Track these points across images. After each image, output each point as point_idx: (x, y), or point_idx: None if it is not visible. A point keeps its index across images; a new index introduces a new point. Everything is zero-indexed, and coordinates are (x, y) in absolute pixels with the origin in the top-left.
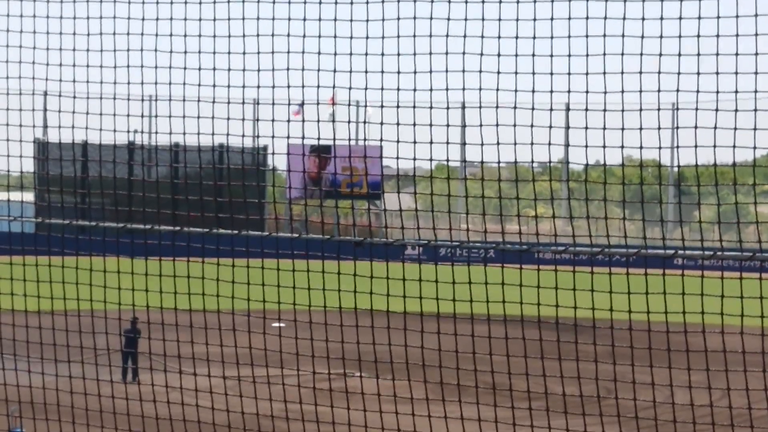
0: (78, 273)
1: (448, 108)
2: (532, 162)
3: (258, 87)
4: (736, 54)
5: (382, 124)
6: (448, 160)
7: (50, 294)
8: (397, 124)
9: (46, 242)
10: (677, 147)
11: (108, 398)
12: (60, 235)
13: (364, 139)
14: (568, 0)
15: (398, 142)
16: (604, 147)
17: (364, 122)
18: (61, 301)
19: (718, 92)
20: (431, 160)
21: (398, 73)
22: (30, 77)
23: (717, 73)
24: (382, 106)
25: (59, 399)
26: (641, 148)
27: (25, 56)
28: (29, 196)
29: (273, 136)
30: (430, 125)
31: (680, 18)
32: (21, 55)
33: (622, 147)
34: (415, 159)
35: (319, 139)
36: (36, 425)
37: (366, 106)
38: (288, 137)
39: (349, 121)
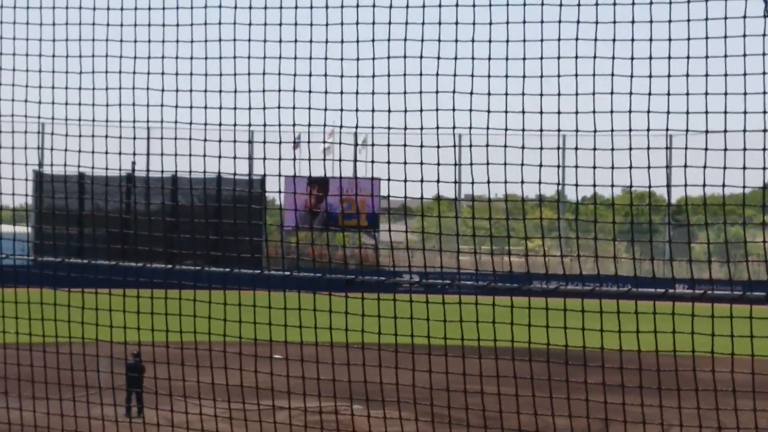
0: (84, 311)
1: (439, 146)
2: (518, 198)
3: (258, 124)
4: (725, 93)
5: (388, 162)
6: (439, 198)
7: (47, 329)
8: (401, 161)
9: (41, 277)
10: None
11: None
12: (55, 272)
13: (355, 175)
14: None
15: (392, 179)
16: (594, 185)
17: (371, 158)
18: (63, 336)
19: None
20: (422, 198)
21: (405, 111)
22: (23, 115)
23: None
24: (390, 144)
25: None
26: (630, 186)
27: (19, 94)
28: (25, 229)
29: (279, 175)
30: (421, 163)
31: (668, 57)
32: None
33: (612, 186)
34: (416, 194)
35: (320, 172)
36: None
37: (368, 144)
38: (279, 173)
39: (354, 157)
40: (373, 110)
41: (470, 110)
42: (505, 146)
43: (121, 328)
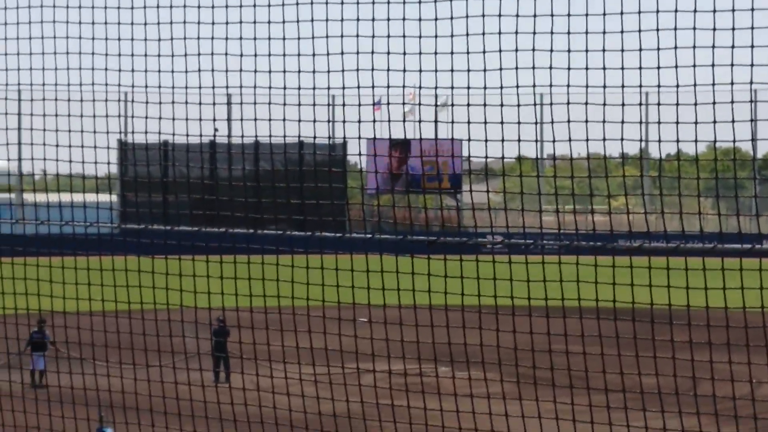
0: (168, 277)
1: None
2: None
3: (335, 87)
4: None
5: (468, 122)
6: (520, 157)
7: (133, 296)
8: (483, 121)
9: (125, 244)
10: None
11: (188, 401)
12: (139, 239)
13: (436, 136)
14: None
15: (474, 140)
16: (677, 141)
17: (452, 119)
18: (149, 303)
19: None
20: (503, 158)
21: (484, 70)
22: (104, 84)
23: None
24: (470, 104)
25: (141, 400)
26: (715, 141)
27: (98, 63)
28: (113, 198)
29: (360, 137)
30: (502, 122)
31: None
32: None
33: (696, 141)
34: (498, 154)
35: (401, 133)
36: (127, 428)
37: (449, 105)
38: (360, 135)
39: (435, 118)
40: (452, 70)
41: (550, 68)
42: (587, 103)
43: (204, 293)
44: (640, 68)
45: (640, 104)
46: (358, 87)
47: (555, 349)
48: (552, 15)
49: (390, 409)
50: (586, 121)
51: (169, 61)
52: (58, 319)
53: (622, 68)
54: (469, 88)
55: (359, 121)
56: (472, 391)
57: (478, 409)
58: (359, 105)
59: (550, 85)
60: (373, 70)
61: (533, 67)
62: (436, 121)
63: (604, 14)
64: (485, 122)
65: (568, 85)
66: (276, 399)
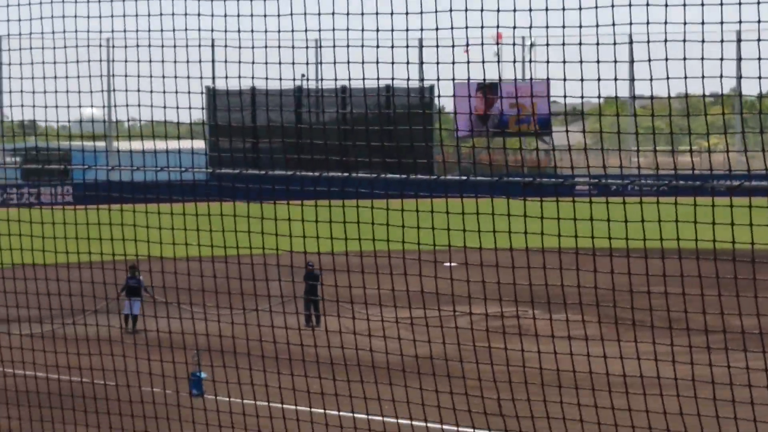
0: (249, 220)
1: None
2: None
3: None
4: None
5: (564, 62)
6: (617, 97)
7: (228, 241)
8: (576, 60)
9: (222, 189)
10: None
11: (282, 344)
12: (234, 184)
13: (531, 78)
14: None
15: (565, 79)
16: None
17: (543, 59)
18: (235, 249)
19: None
20: (599, 96)
21: (563, 9)
22: (196, 29)
23: None
24: (565, 43)
25: (234, 344)
26: None
27: (191, 8)
28: (201, 145)
29: (453, 79)
30: (598, 61)
31: None
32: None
33: None
34: (586, 94)
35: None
36: (216, 371)
37: (538, 44)
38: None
39: (523, 59)
40: (547, 9)
41: (647, 5)
42: (684, 41)
43: (300, 237)
44: (740, 3)
45: (738, 41)
46: (452, 28)
47: (653, 291)
48: None
49: (486, 351)
50: (684, 59)
51: (261, 5)
52: (154, 265)
53: (721, 4)
54: (564, 27)
55: (452, 63)
56: (570, 332)
57: (575, 351)
58: (453, 46)
59: (647, 23)
60: (466, 10)
61: (629, 5)
62: (521, 62)
63: None
64: (581, 61)
65: (666, 23)
66: (370, 342)
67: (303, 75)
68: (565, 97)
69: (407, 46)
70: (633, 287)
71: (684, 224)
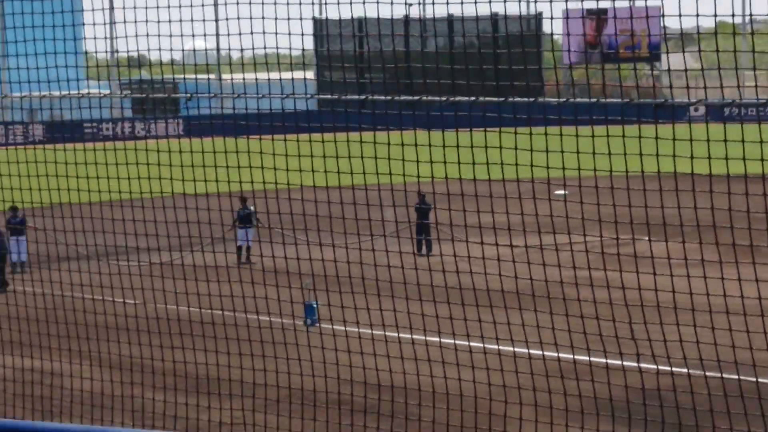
0: (362, 147)
1: None
2: None
3: None
4: None
5: None
6: (733, 15)
7: (337, 169)
8: None
9: (327, 118)
10: None
11: (403, 268)
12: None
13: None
14: None
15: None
16: None
17: None
18: (348, 177)
19: None
20: (715, 15)
21: None
22: None
23: None
24: None
25: (346, 273)
26: None
27: None
28: (309, 74)
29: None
30: None
31: None
32: None
33: None
34: (697, 16)
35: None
36: (330, 297)
37: None
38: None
39: None
40: None
41: None
42: None
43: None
44: None
45: None
46: None
47: None
48: None
49: (602, 277)
50: None
51: None
52: (265, 196)
53: None
54: None
55: None
56: (686, 257)
57: (693, 275)
58: None
59: None
60: None
61: None
62: None
63: None
64: None
65: None
66: (485, 268)
67: (410, 4)
68: (680, 16)
69: None
70: (751, 212)
71: None
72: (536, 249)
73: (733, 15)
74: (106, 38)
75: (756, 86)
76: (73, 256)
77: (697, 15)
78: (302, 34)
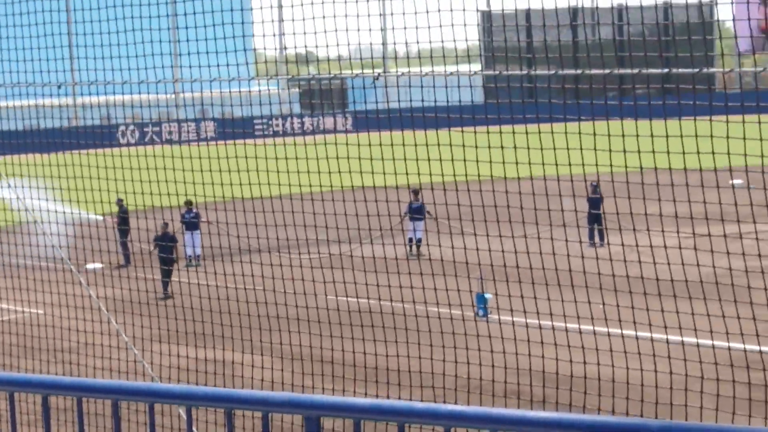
0: (528, 138)
1: None
2: None
3: None
4: None
5: None
6: None
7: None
8: None
9: (495, 111)
10: None
11: (576, 259)
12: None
13: None
14: None
15: None
16: None
17: None
18: (526, 168)
19: None
20: None
21: None
22: None
23: None
24: None
25: (522, 262)
26: None
27: None
28: (476, 67)
29: None
30: None
31: None
32: None
33: None
34: None
35: None
36: (498, 287)
37: None
38: None
39: None
40: None
41: None
42: None
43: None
44: None
45: None
46: None
47: None
48: None
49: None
50: None
51: None
52: (435, 190)
53: None
54: None
55: None
56: None
57: None
58: None
59: None
60: None
61: None
62: None
63: None
64: None
65: None
66: (653, 258)
67: None
68: None
69: None
70: None
71: None
72: (707, 238)
73: None
74: (274, 35)
75: None
76: (245, 249)
77: None
78: (465, 25)
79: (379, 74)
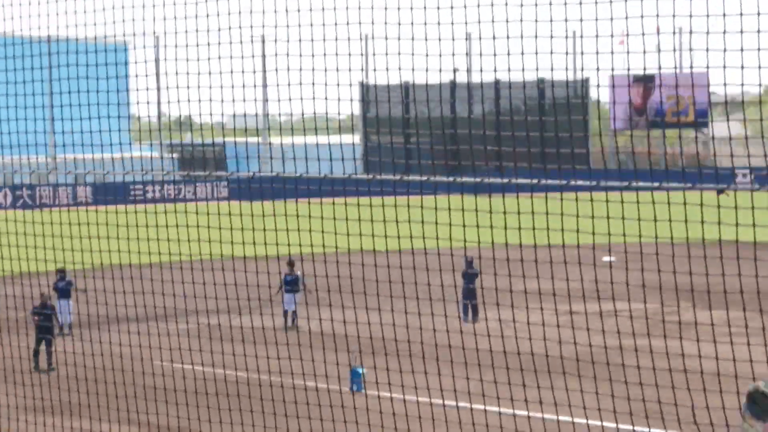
0: (410, 211)
1: None
2: None
3: (581, 20)
4: None
5: (707, 50)
6: None
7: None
8: (724, 50)
9: (373, 182)
10: None
11: (453, 334)
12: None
13: (690, 67)
14: None
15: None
16: None
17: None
18: (395, 241)
19: None
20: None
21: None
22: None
23: None
24: (726, 31)
25: (390, 341)
26: None
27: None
28: (356, 139)
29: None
30: (758, 49)
31: None
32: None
33: None
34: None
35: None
36: (372, 360)
37: (690, 32)
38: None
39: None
40: (708, 15)
41: None
42: None
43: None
44: None
45: None
46: (611, 19)
47: None
48: None
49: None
50: None
51: (408, 12)
52: (307, 262)
53: None
54: (724, 16)
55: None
56: (730, 329)
57: (737, 347)
58: (611, 35)
59: None
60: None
61: None
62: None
63: None
64: (742, 49)
65: None
66: (530, 335)
67: (456, 69)
68: (725, 85)
69: (551, 36)
70: None
71: None
72: (584, 315)
73: None
74: (148, 103)
75: None
76: (119, 317)
77: (742, 84)
78: (351, 100)
79: (258, 142)
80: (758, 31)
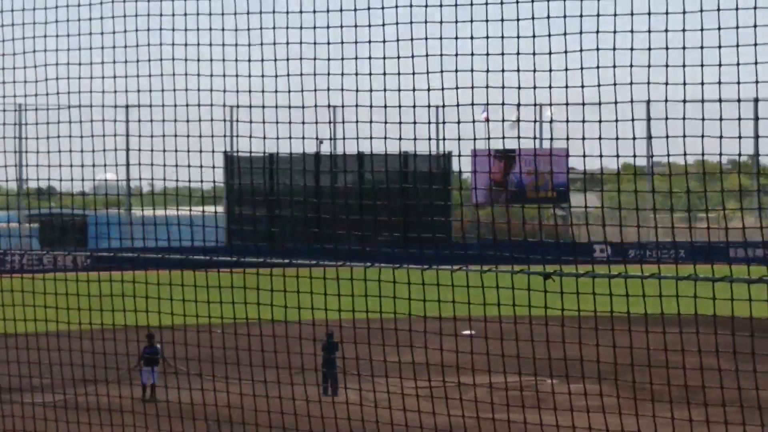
0: (272, 281)
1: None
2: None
3: (442, 90)
4: None
5: (567, 122)
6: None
7: (237, 310)
8: (593, 136)
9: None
10: None
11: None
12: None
13: (548, 140)
14: None
15: (583, 139)
16: None
17: (562, 132)
18: (256, 313)
19: None
20: (617, 165)
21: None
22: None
23: None
24: (585, 120)
25: (250, 415)
26: None
27: (208, 70)
28: (219, 209)
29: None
30: (617, 138)
31: None
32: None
33: None
34: (603, 164)
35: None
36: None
37: (556, 120)
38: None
39: (539, 132)
40: (567, 86)
41: (666, 84)
42: (703, 119)
43: (321, 309)
44: (757, 82)
45: (756, 119)
46: (472, 104)
47: (666, 361)
48: (649, 31)
49: (505, 423)
50: (702, 137)
51: (272, 81)
52: (167, 334)
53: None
54: (584, 104)
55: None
56: (587, 404)
57: (594, 423)
58: (473, 121)
59: (666, 101)
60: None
61: (648, 83)
62: (544, 139)
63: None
64: (600, 137)
65: (684, 101)
66: (388, 413)
67: (321, 141)
68: (584, 158)
69: (428, 122)
70: (640, 358)
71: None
72: (440, 391)
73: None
74: (6, 167)
75: (656, 227)
76: None
77: (601, 156)
78: (213, 167)
79: (118, 210)
80: (615, 102)
